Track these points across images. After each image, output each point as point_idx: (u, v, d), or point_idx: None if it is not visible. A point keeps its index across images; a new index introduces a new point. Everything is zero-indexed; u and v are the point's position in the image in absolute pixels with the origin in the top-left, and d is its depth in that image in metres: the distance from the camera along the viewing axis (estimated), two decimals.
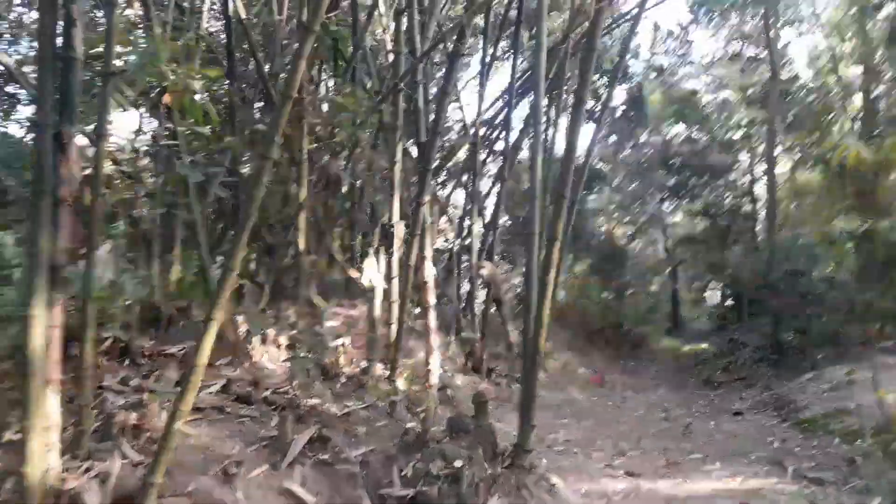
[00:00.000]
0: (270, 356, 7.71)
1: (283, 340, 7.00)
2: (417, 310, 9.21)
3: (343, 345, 7.74)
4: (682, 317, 32.40)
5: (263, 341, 7.78)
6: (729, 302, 24.88)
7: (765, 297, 14.94)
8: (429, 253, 7.87)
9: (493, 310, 10.58)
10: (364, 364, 7.34)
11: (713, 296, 32.09)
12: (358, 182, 8.57)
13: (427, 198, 7.73)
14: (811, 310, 11.68)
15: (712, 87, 22.61)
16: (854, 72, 16.70)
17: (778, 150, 20.70)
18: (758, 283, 17.00)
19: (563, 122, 22.36)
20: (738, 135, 23.04)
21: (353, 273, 8.62)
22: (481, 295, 11.55)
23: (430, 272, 7.89)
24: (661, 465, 6.01)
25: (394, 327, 7.84)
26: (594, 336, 19.45)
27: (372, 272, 7.32)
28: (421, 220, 7.62)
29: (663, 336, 26.49)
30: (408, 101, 8.26)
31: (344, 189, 8.44)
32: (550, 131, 10.91)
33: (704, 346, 23.09)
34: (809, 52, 19.46)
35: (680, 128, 26.37)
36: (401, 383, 7.53)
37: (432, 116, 7.98)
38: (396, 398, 5.92)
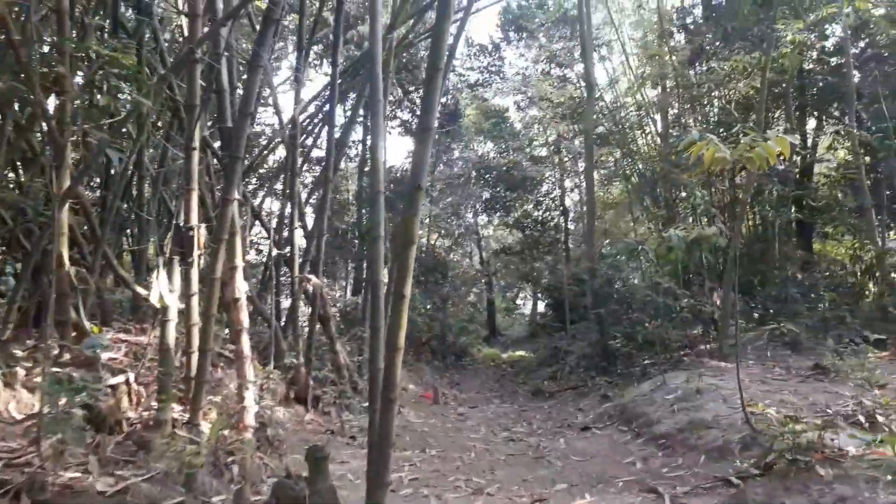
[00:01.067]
0: (21, 405, 5.72)
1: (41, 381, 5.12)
2: (226, 332, 7.66)
3: (126, 382, 6.02)
4: (499, 325, 33.29)
5: (7, 384, 5.79)
6: (542, 309, 25.68)
7: (588, 304, 15.23)
8: (239, 263, 6.40)
9: (318, 328, 9.22)
10: (155, 406, 5.68)
11: (527, 304, 33.40)
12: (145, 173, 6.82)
13: (236, 195, 6.26)
14: (637, 316, 11.87)
15: (524, 103, 23.25)
16: (653, 93, 17.87)
17: (582, 165, 21.88)
18: (578, 291, 17.50)
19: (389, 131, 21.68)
20: (546, 151, 23.99)
21: (140, 289, 6.83)
22: (304, 312, 10.15)
23: (241, 287, 6.43)
24: (527, 503, 5.17)
25: (195, 356, 6.27)
26: (421, 349, 18.79)
27: (164, 288, 5.67)
28: (228, 222, 6.14)
29: (482, 345, 26.83)
30: (208, 77, 6.73)
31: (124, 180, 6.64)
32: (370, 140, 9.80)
33: (523, 353, 23.61)
34: (609, 75, 20.79)
35: (494, 142, 27.06)
36: (205, 428, 5.95)
37: (240, 95, 6.51)
38: (196, 460, 4.39)
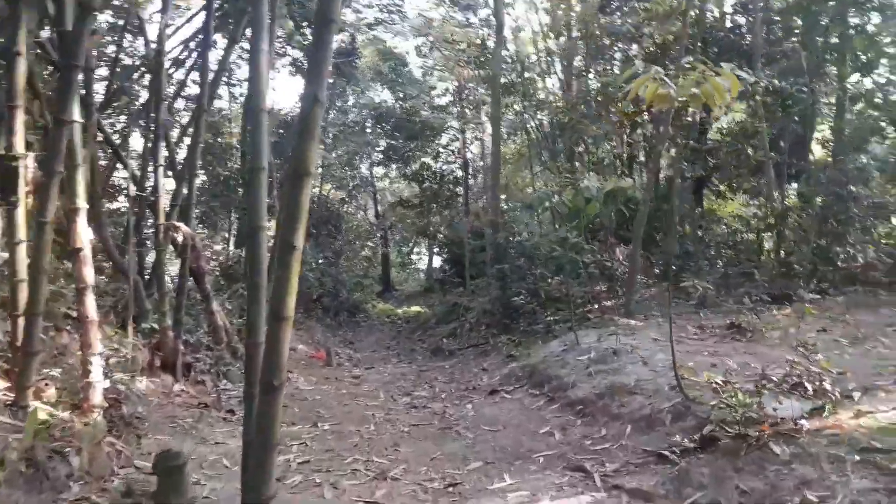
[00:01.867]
0: None
1: None
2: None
3: None
4: (393, 280, 32.54)
5: None
6: (439, 264, 25.12)
7: (489, 259, 14.68)
8: (82, 204, 5.07)
9: (191, 285, 7.94)
10: None
11: (423, 260, 32.79)
12: None
13: (75, 116, 4.90)
14: (540, 272, 11.38)
15: (426, 47, 22.03)
16: (556, 43, 17.30)
17: (483, 116, 21.18)
18: (478, 246, 16.93)
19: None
20: (447, 99, 23.02)
21: None
22: (174, 267, 8.77)
23: (85, 234, 5.12)
24: (439, 490, 4.41)
25: (21, 319, 5.00)
26: (312, 306, 17.62)
27: None
28: (63, 150, 4.80)
29: (377, 301, 26.00)
30: None
31: None
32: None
33: (419, 308, 23.02)
34: (514, 23, 20.00)
35: (392, 90, 25.73)
36: (40, 410, 4.74)
37: None
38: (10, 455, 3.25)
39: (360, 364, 11.91)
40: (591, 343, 7.52)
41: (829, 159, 15.09)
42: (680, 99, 4.88)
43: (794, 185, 13.58)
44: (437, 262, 28.84)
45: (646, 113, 10.71)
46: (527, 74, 17.35)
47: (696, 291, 8.55)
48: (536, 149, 17.67)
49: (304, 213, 2.84)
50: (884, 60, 14.07)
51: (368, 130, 24.87)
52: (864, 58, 11.93)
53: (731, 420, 4.55)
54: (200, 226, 24.53)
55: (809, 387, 4.89)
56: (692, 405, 5.00)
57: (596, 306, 10.31)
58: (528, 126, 17.62)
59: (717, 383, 5.26)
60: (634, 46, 13.64)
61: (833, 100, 15.20)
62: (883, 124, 13.94)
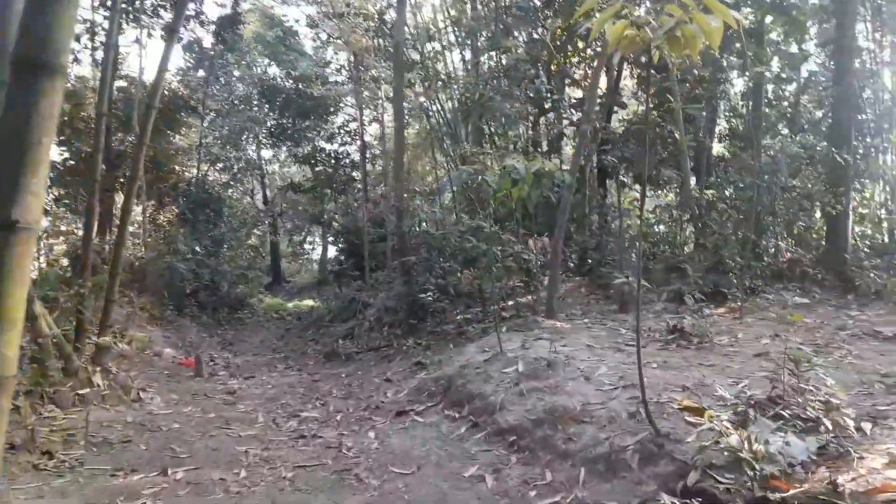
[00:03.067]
0: None
1: None
2: None
3: None
4: (284, 271, 30.35)
5: None
6: (334, 254, 23.35)
7: (392, 249, 13.30)
8: None
9: None
10: None
11: (317, 250, 30.81)
12: None
13: None
14: (449, 265, 10.14)
15: (319, 16, 20.10)
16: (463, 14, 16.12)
17: (382, 94, 19.66)
18: (379, 236, 15.45)
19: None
20: (343, 75, 21.18)
21: None
22: None
23: None
24: None
25: None
26: (185, 301, 15.45)
27: None
28: None
29: (265, 294, 23.87)
30: None
31: None
32: None
33: (311, 302, 21.23)
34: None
35: (279, 64, 23.56)
36: None
37: None
38: None
39: (239, 373, 10.15)
40: (516, 350, 6.33)
41: (731, 152, 14.98)
42: (654, 44, 3.73)
43: (705, 176, 13.15)
44: (332, 252, 27.04)
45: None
46: (430, 48, 16.00)
47: (627, 289, 7.62)
48: (438, 133, 16.42)
49: (43, 151, 1.34)
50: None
51: (255, 107, 22.64)
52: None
53: (722, 464, 3.47)
54: (62, 209, 21.46)
55: (802, 413, 3.93)
56: (664, 441, 3.89)
57: (510, 303, 9.20)
58: (431, 109, 16.34)
59: (694, 409, 4.22)
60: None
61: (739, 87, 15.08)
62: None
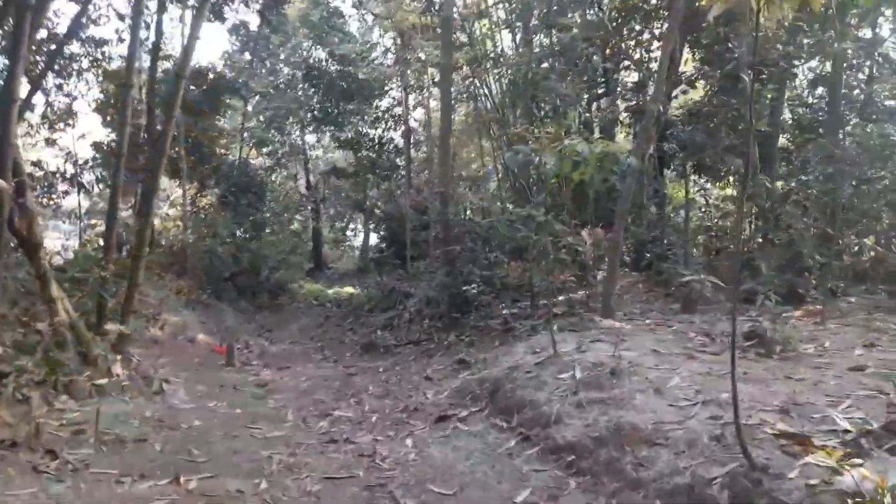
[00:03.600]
0: None
1: None
2: None
3: None
4: (325, 258, 30.10)
5: None
6: (375, 242, 22.96)
7: (436, 238, 12.75)
8: None
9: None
10: None
11: (359, 237, 30.48)
12: None
13: None
14: (496, 256, 9.49)
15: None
16: None
17: (427, 78, 19.03)
18: (421, 223, 14.90)
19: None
20: (389, 58, 20.65)
21: None
22: None
23: None
24: None
25: None
26: (224, 286, 15.20)
27: None
28: None
29: (306, 279, 23.59)
30: None
31: None
32: None
33: (351, 290, 20.86)
34: None
35: (324, 44, 23.12)
36: None
37: None
38: None
39: (273, 362, 9.74)
40: (571, 353, 5.67)
41: (797, 142, 13.80)
42: None
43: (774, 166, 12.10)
44: (373, 239, 26.65)
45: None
46: (479, 26, 15.27)
47: (697, 287, 6.85)
48: (485, 117, 15.70)
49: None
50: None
51: (300, 90, 22.24)
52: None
53: None
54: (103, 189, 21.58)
55: None
56: (761, 476, 3.18)
57: (561, 298, 8.48)
58: (478, 91, 15.63)
59: (783, 434, 3.50)
60: None
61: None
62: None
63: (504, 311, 9.07)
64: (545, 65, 11.17)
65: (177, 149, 16.34)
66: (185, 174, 16.04)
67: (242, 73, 20.52)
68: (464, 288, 9.29)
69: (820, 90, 13.13)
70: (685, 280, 6.68)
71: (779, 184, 10.47)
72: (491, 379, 5.99)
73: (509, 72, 11.24)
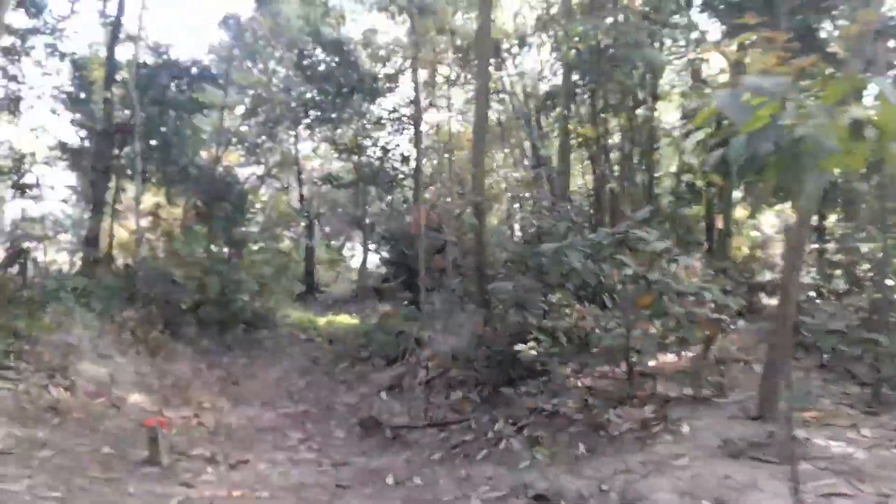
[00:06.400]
0: None
1: None
2: None
3: None
4: (319, 280, 26.82)
5: None
6: (377, 264, 19.81)
7: (451, 265, 9.62)
8: None
9: None
10: None
11: (357, 256, 27.23)
12: None
13: None
14: (559, 298, 6.37)
15: None
16: None
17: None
18: (435, 246, 11.72)
19: None
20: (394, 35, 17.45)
21: None
22: None
23: None
24: None
25: None
26: (183, 319, 11.93)
27: None
28: None
29: (295, 305, 20.24)
30: None
31: None
32: None
33: (347, 318, 17.67)
34: None
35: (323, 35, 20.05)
36: None
37: None
38: None
39: (226, 451, 6.45)
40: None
41: None
42: None
43: None
44: (373, 260, 23.51)
45: None
46: None
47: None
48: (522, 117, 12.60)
49: None
50: None
51: (293, 92, 19.10)
52: None
53: None
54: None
55: None
56: None
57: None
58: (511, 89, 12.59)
59: None
60: None
61: None
62: None
63: (577, 383, 5.88)
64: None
65: (134, 147, 13.29)
66: (137, 177, 12.88)
67: (224, 63, 17.47)
68: (516, 348, 6.04)
69: None
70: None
71: None
72: None
73: (577, 40, 8.13)
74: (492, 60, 12.34)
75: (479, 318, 7.20)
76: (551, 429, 5.46)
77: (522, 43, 11.68)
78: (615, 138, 10.29)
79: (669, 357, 6.31)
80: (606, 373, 6.46)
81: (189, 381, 9.42)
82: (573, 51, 8.52)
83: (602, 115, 9.37)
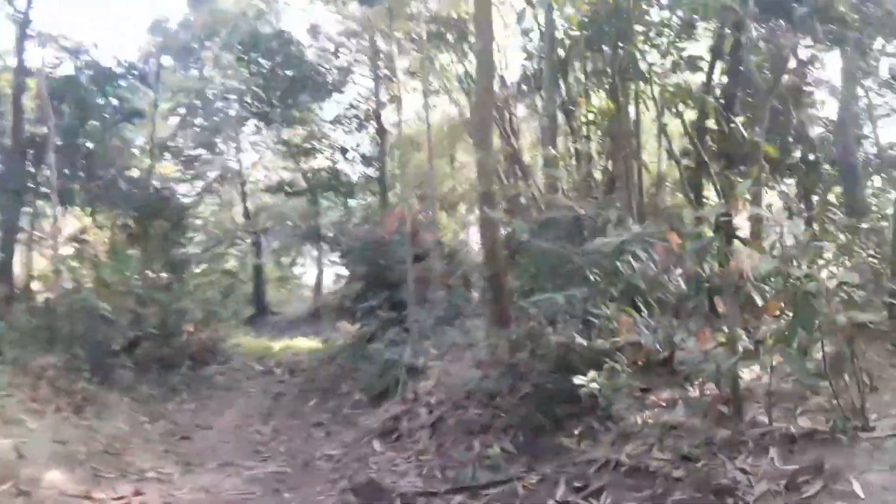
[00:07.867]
0: None
1: None
2: None
3: None
4: (270, 301, 24.70)
5: None
6: (340, 281, 18.06)
7: (438, 278, 8.07)
8: None
9: None
10: None
11: (312, 272, 25.24)
12: None
13: None
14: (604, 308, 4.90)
15: None
16: None
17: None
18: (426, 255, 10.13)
19: None
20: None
21: None
22: None
23: None
24: None
25: None
26: (115, 361, 9.92)
27: None
28: None
29: (245, 331, 18.18)
30: None
31: None
32: None
33: (307, 342, 15.90)
34: None
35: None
36: None
37: None
38: None
39: None
40: None
41: None
42: None
43: None
44: (330, 275, 21.70)
45: None
46: None
47: None
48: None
49: None
50: None
51: (234, 96, 17.17)
52: None
53: None
54: None
55: None
56: None
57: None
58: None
59: None
60: None
61: None
62: None
63: (647, 419, 4.41)
64: None
65: (48, 162, 11.26)
66: (53, 196, 10.83)
67: (155, 66, 15.47)
68: (576, 381, 4.49)
69: None
70: None
71: None
72: None
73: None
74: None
75: (502, 341, 5.63)
76: (639, 492, 3.95)
77: None
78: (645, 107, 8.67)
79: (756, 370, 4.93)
80: (667, 400, 5.03)
81: (126, 443, 7.48)
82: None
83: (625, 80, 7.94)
